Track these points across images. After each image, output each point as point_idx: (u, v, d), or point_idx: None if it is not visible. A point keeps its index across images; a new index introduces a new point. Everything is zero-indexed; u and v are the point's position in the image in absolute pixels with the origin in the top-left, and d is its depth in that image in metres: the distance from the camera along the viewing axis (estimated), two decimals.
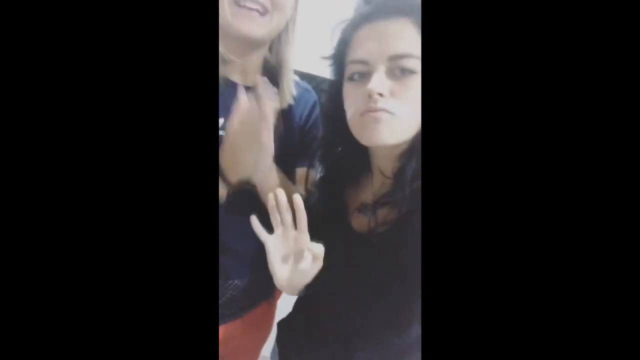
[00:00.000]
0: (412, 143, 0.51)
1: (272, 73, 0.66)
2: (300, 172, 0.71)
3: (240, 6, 0.55)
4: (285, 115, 0.67)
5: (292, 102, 0.68)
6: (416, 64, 0.46)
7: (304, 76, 0.78)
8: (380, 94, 0.46)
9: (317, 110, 0.75)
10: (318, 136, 0.71)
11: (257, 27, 0.57)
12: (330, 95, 0.59)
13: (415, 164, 0.50)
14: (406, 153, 0.51)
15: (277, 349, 0.69)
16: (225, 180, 0.59)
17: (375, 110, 0.47)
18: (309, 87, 0.76)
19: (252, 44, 0.61)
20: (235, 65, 0.63)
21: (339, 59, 0.53)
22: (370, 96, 0.46)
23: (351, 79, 0.51)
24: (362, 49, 0.48)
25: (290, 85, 0.68)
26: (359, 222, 0.57)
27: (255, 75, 0.61)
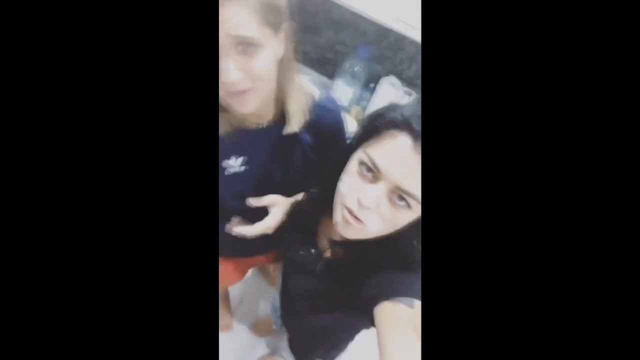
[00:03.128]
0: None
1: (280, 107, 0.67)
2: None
3: (228, 92, 0.54)
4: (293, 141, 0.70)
5: (297, 129, 0.68)
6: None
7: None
8: (368, 208, 0.47)
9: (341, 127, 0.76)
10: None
11: (250, 103, 0.57)
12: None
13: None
14: None
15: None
16: None
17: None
18: (331, 107, 0.74)
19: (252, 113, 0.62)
20: (248, 117, 0.65)
21: None
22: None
23: None
24: (380, 153, 0.47)
25: (300, 113, 0.67)
26: (323, 248, 0.65)
27: (271, 116, 0.67)
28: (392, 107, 0.49)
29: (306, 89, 0.68)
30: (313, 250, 0.66)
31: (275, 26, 0.52)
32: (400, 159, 0.44)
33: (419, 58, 1.43)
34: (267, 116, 0.68)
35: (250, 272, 1.55)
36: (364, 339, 0.71)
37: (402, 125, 0.45)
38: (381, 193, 0.46)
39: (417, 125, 0.43)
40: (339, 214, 0.51)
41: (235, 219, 0.73)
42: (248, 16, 0.48)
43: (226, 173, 0.69)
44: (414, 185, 0.44)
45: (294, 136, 0.69)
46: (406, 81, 1.45)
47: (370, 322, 0.52)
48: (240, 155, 0.69)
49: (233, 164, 0.69)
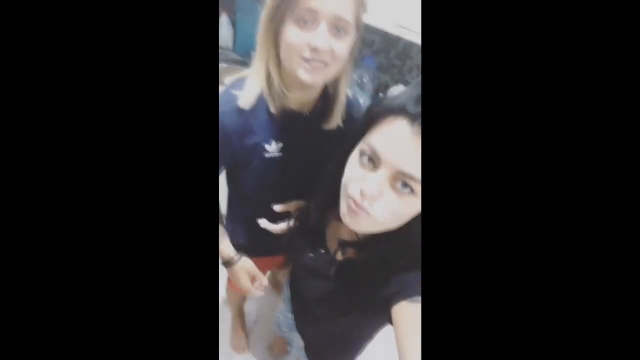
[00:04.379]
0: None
1: (328, 98, 0.72)
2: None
3: (304, 59, 0.58)
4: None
5: (341, 124, 0.73)
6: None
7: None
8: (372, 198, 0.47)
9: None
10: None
11: (319, 77, 0.61)
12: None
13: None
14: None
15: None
16: None
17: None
18: (360, 103, 0.83)
19: (311, 88, 0.66)
20: (293, 97, 0.67)
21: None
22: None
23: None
24: (380, 141, 0.46)
25: (342, 109, 0.72)
26: (334, 249, 0.64)
27: (312, 105, 0.71)
28: (389, 97, 0.49)
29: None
30: (323, 252, 0.64)
31: (358, 22, 0.60)
32: (399, 143, 0.43)
33: None
34: (309, 104, 0.71)
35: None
36: (382, 338, 0.69)
37: (398, 110, 0.44)
38: (383, 179, 0.45)
39: (413, 109, 0.42)
40: (344, 205, 0.50)
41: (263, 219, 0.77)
42: (348, 3, 0.56)
43: (266, 155, 0.71)
44: (414, 168, 0.43)
45: (333, 131, 0.73)
46: None
47: (387, 321, 0.51)
48: (279, 141, 0.70)
49: (271, 149, 0.70)
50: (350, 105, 0.76)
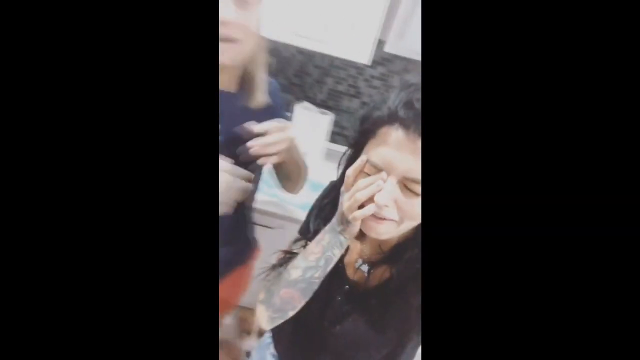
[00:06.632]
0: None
1: (247, 78, 0.72)
2: None
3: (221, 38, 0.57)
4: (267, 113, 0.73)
5: (268, 100, 0.75)
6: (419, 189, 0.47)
7: None
8: (387, 206, 0.47)
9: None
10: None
11: (230, 56, 0.60)
12: None
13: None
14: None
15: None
16: None
17: (381, 217, 0.48)
18: (278, 86, 0.86)
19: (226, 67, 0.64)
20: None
21: (359, 143, 0.52)
22: (377, 206, 0.47)
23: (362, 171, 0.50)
24: (380, 152, 0.47)
25: (262, 87, 0.74)
26: (357, 275, 0.60)
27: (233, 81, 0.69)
28: (376, 106, 0.49)
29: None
30: (348, 287, 0.60)
31: None
32: (398, 152, 0.45)
33: (327, 79, 1.47)
34: (231, 86, 0.70)
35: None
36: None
37: (391, 119, 0.46)
38: (394, 187, 0.46)
39: (405, 113, 0.44)
40: (358, 223, 0.50)
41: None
42: None
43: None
44: (416, 171, 0.45)
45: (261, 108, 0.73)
46: (320, 104, 1.47)
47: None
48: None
49: None
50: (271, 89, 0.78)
